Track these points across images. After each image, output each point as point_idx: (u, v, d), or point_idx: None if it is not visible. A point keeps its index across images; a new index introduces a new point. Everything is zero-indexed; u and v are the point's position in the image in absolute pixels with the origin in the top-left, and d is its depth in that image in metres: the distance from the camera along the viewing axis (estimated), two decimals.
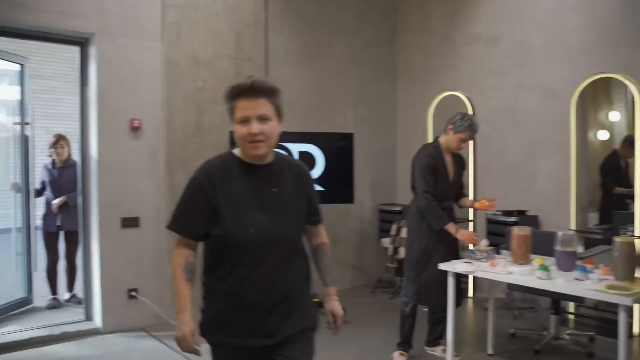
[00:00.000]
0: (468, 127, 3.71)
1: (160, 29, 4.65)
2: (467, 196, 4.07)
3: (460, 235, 3.64)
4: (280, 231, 1.82)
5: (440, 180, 3.76)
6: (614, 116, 4.94)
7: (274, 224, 1.80)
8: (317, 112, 5.82)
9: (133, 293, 4.54)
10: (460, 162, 3.98)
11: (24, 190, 4.87)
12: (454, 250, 3.85)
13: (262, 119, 1.75)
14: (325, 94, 5.91)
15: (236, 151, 1.86)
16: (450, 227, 3.64)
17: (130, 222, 4.50)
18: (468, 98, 5.76)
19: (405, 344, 3.90)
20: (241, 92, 1.75)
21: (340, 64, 6.01)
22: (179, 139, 4.77)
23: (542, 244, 3.83)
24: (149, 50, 4.59)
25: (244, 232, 1.76)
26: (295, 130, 5.29)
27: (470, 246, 3.82)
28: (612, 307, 3.55)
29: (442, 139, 3.84)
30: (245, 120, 1.75)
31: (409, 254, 3.89)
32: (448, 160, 3.84)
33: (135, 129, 4.50)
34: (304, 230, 2.01)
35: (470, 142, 5.70)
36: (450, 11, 6.03)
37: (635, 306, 4.35)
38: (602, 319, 4.56)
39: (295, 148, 4.85)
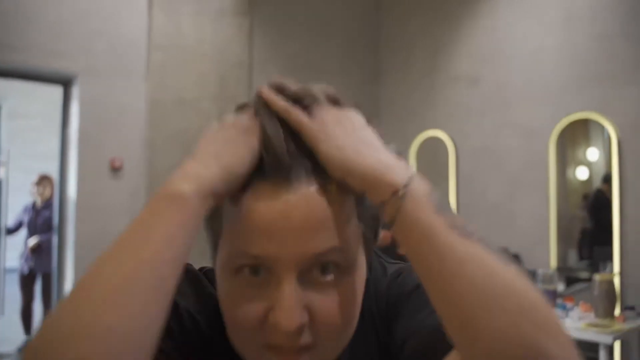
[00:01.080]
0: None
1: (145, 69, 4.70)
2: None
3: None
4: None
5: None
6: (593, 155, 5.02)
7: None
8: None
9: None
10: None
11: None
12: None
13: (323, 268, 0.57)
14: None
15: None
16: None
17: None
18: (450, 137, 5.85)
19: None
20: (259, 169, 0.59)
21: None
22: (162, 179, 4.71)
23: None
24: (133, 90, 4.63)
25: None
26: None
27: None
28: (593, 346, 3.54)
29: None
30: (257, 271, 0.57)
31: None
32: None
33: (116, 169, 4.49)
34: None
35: (452, 182, 5.79)
36: (432, 51, 6.17)
37: (616, 343, 4.33)
38: (584, 357, 4.52)
39: None
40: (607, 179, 4.74)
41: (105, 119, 4.45)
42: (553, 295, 3.37)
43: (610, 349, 3.82)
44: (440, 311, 0.51)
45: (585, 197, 4.98)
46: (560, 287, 4.48)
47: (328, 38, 6.14)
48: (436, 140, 5.96)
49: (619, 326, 3.01)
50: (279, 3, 5.72)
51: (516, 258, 5.10)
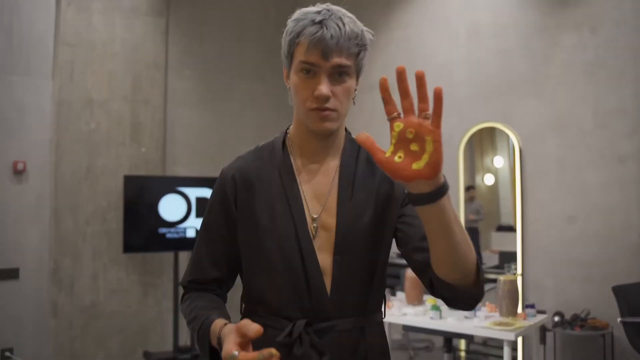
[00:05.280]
0: (299, 31, 1.27)
1: (51, 67, 4.46)
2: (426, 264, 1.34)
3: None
4: None
5: (266, 224, 1.29)
6: (499, 162, 5.32)
7: None
8: (217, 156, 5.76)
9: (7, 353, 4.16)
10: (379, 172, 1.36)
11: None
12: None
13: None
14: (225, 138, 5.90)
15: None
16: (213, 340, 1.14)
17: (8, 274, 4.15)
18: None
19: None
20: None
21: (240, 108, 6.05)
22: (68, 184, 4.52)
23: None
24: (38, 89, 4.37)
25: None
26: (193, 175, 5.21)
27: None
28: (499, 342, 3.74)
29: (292, 126, 1.41)
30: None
31: None
32: (322, 168, 1.36)
33: (18, 172, 4.22)
34: None
35: None
36: None
37: (519, 339, 4.61)
38: (491, 353, 4.78)
39: (193, 193, 4.75)
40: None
41: (6, 119, 4.17)
42: None
43: (514, 344, 4.07)
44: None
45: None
46: None
47: (244, 42, 6.10)
48: None
49: (521, 323, 3.20)
50: (195, 4, 5.62)
51: None
